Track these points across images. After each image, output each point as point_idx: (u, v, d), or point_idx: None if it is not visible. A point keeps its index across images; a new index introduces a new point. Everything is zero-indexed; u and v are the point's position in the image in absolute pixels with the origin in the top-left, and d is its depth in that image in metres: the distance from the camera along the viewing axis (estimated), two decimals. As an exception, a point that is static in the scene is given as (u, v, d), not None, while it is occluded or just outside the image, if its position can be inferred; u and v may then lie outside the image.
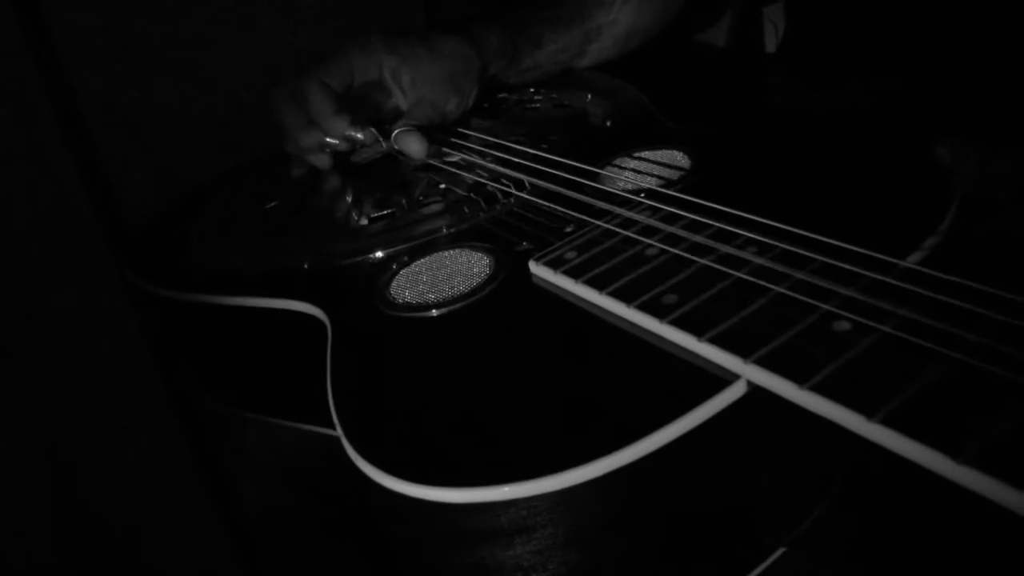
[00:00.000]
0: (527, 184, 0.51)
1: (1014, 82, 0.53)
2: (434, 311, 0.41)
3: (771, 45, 0.87)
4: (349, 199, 0.57)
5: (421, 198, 0.54)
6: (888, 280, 0.32)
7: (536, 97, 0.69)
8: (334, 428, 0.35)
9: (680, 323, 0.33)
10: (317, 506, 0.55)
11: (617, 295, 0.36)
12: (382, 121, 0.61)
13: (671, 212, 0.42)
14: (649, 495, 0.31)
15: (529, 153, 0.55)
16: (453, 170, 0.57)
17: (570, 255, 0.41)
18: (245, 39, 0.80)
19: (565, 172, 0.50)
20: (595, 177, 0.50)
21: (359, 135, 0.58)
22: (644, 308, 0.35)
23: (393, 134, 0.57)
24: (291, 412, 0.48)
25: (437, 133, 0.62)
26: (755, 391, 0.31)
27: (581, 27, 0.69)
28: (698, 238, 0.39)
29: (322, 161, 0.60)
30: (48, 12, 0.71)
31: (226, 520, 0.90)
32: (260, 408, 0.52)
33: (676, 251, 0.38)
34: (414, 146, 0.57)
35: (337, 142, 0.58)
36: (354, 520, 0.47)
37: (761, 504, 0.35)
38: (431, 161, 0.59)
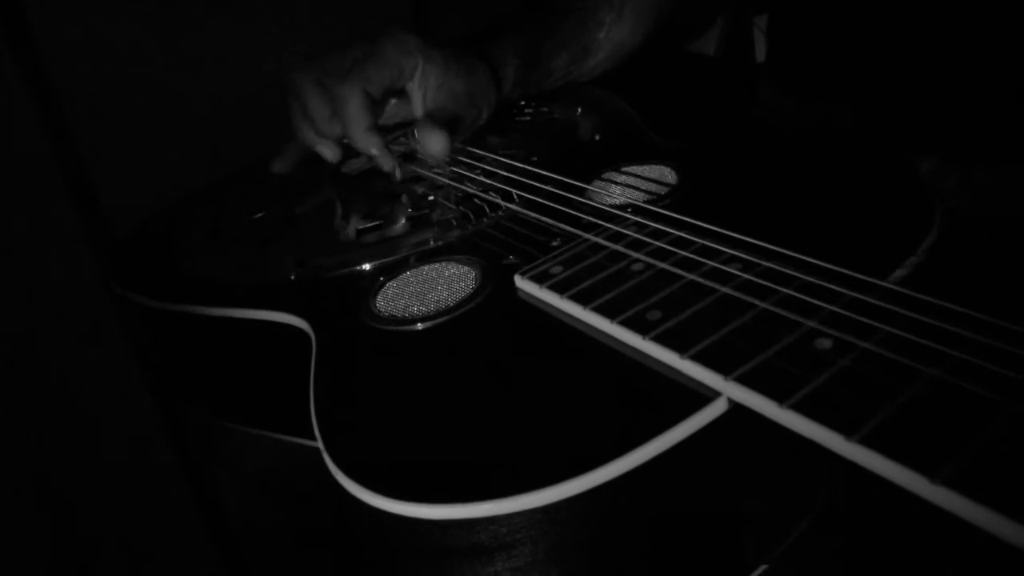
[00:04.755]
0: (515, 197, 0.51)
1: (992, 101, 0.54)
2: (419, 324, 0.41)
3: (761, 55, 0.87)
4: (337, 210, 0.57)
5: (409, 210, 0.54)
6: (870, 299, 0.32)
7: (526, 110, 0.69)
8: (316, 441, 0.35)
9: (662, 339, 0.33)
10: (301, 518, 0.55)
11: (601, 311, 0.36)
12: (386, 129, 0.61)
13: (657, 228, 0.42)
14: (631, 512, 0.31)
15: (518, 166, 0.55)
16: (442, 182, 0.57)
17: (555, 270, 0.41)
18: (233, 47, 0.80)
19: (553, 186, 0.51)
20: (582, 191, 0.50)
21: (384, 160, 0.56)
22: (627, 324, 0.35)
23: (416, 126, 0.56)
24: (276, 424, 0.48)
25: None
26: (736, 408, 0.31)
27: (579, 45, 0.69)
28: (683, 254, 0.39)
29: (333, 152, 0.59)
30: (34, 20, 0.71)
31: (212, 530, 0.90)
32: (245, 420, 0.52)
33: (661, 267, 0.39)
34: (436, 142, 0.55)
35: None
36: (336, 533, 0.47)
37: (743, 521, 0.35)
38: (420, 171, 0.59)
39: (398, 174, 0.57)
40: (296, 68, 0.57)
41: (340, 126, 0.56)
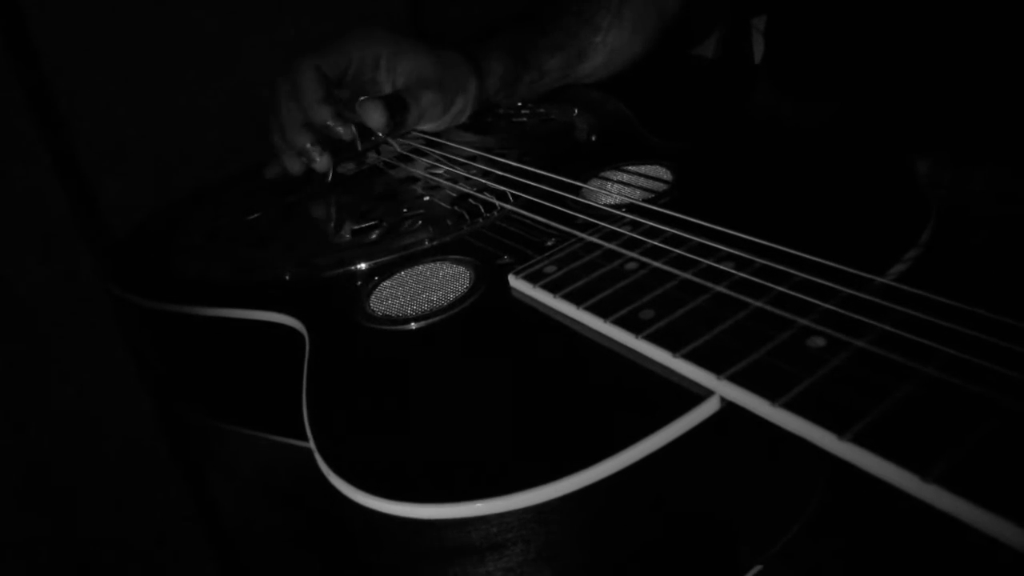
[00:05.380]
0: (510, 197, 0.51)
1: (990, 101, 0.53)
2: (413, 324, 0.41)
3: (759, 56, 0.87)
4: (333, 211, 0.57)
5: (405, 210, 0.54)
6: (864, 296, 0.32)
7: (523, 111, 0.69)
8: (309, 441, 0.35)
9: (655, 338, 0.33)
10: (297, 519, 0.55)
11: (594, 310, 0.36)
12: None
13: (652, 226, 0.42)
14: (623, 511, 0.31)
15: (513, 166, 0.55)
16: (437, 182, 0.57)
17: (549, 269, 0.41)
18: (232, 47, 0.80)
19: (548, 186, 0.50)
20: (578, 191, 0.50)
21: (339, 128, 0.57)
22: (620, 323, 0.35)
23: (357, 103, 0.56)
24: (271, 425, 0.48)
25: (423, 144, 0.62)
26: (729, 407, 0.31)
27: (575, 48, 0.69)
28: (677, 253, 0.39)
29: (295, 166, 0.60)
30: (33, 20, 0.71)
31: (211, 531, 0.90)
32: (241, 420, 0.52)
33: (655, 266, 0.38)
34: (375, 115, 0.55)
35: (325, 133, 0.57)
36: (330, 533, 0.47)
37: (737, 520, 0.35)
38: (413, 171, 0.59)
39: (358, 145, 0.59)
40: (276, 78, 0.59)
41: (307, 133, 0.57)
